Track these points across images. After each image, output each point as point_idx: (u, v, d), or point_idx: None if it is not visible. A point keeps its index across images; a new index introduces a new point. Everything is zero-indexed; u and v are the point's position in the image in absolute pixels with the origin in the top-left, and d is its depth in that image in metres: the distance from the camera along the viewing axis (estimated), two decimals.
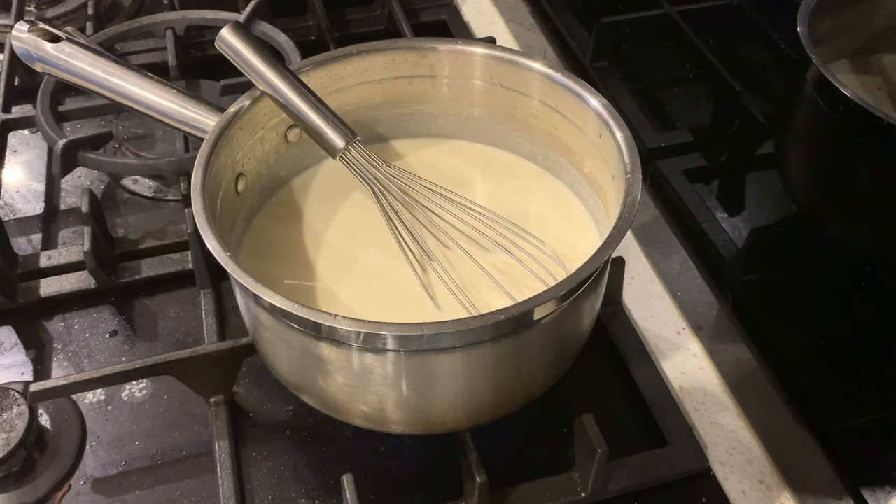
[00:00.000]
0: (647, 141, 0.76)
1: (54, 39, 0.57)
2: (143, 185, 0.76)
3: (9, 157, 0.78)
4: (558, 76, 0.56)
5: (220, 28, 0.54)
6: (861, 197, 0.61)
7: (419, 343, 0.44)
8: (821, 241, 0.69)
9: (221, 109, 0.54)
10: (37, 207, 0.75)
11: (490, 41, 0.79)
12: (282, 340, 0.48)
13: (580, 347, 0.53)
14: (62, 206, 0.75)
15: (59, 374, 0.61)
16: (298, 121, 0.54)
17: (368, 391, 0.47)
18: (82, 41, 0.57)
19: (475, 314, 0.47)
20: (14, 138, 0.80)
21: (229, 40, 0.54)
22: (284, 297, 0.42)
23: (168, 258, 0.67)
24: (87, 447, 0.57)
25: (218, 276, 0.65)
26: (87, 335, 0.64)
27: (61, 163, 0.69)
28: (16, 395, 0.55)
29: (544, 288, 0.44)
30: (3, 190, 0.75)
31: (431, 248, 0.54)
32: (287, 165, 0.60)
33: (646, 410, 0.57)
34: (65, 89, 0.77)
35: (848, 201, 0.62)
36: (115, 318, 0.65)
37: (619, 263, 0.61)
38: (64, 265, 0.66)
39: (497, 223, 0.54)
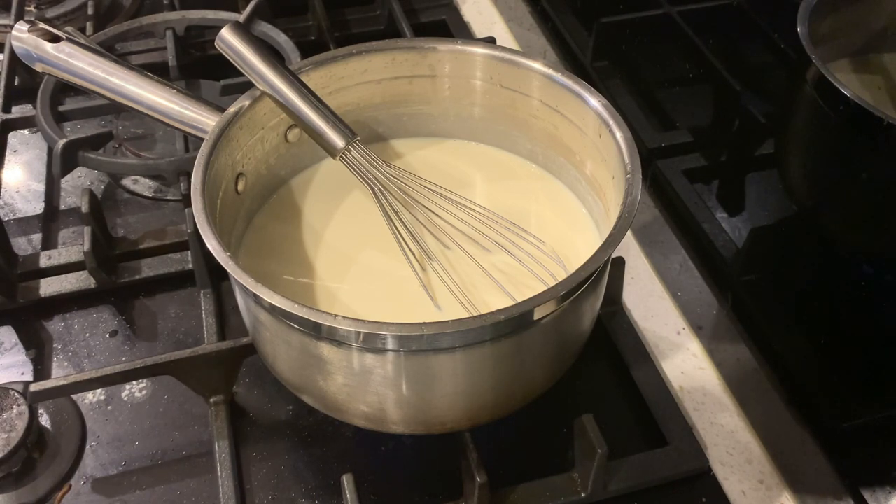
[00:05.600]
0: (647, 141, 0.76)
1: (54, 39, 0.57)
2: (143, 185, 0.75)
3: (9, 157, 0.78)
4: (558, 76, 0.56)
5: (220, 28, 0.54)
6: (861, 197, 0.61)
7: (419, 343, 0.44)
8: (821, 241, 0.69)
9: (221, 109, 0.54)
10: (37, 207, 0.74)
11: (490, 41, 0.79)
12: (282, 340, 0.48)
13: (580, 347, 0.53)
14: (62, 206, 0.75)
15: (59, 374, 0.61)
16: (298, 121, 0.54)
17: (368, 391, 0.47)
18: (82, 41, 0.57)
19: (475, 314, 0.47)
20: (14, 138, 0.80)
21: (229, 40, 0.54)
22: (284, 297, 0.42)
23: (168, 258, 0.67)
24: (87, 447, 0.57)
25: (218, 276, 0.65)
26: (87, 335, 0.64)
27: (61, 163, 0.69)
28: (16, 395, 0.55)
29: (544, 288, 0.44)
30: (3, 190, 0.75)
31: (431, 248, 0.54)
32: (287, 165, 0.60)
33: (646, 410, 0.57)
34: (65, 89, 0.77)
35: (848, 201, 0.62)
36: (115, 318, 0.65)
37: (619, 263, 0.61)
38: (64, 265, 0.66)
39: (497, 223, 0.54)
